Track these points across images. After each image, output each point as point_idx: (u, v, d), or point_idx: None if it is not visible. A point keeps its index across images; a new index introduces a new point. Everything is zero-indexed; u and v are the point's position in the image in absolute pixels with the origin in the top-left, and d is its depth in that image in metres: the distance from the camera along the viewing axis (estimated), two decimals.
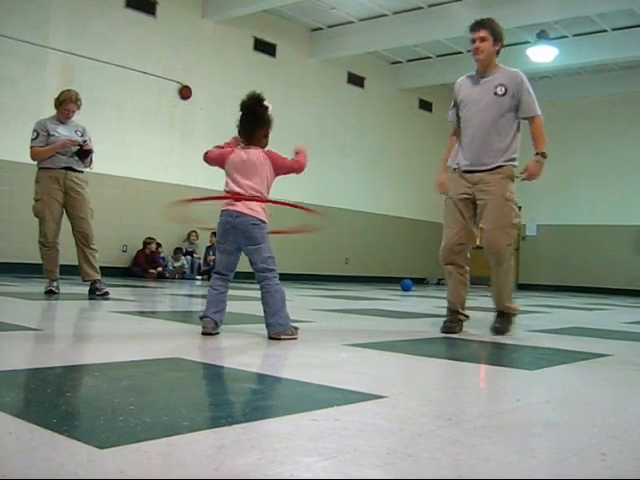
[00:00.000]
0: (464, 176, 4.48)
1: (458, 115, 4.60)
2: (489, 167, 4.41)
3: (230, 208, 3.62)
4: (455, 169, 4.56)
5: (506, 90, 4.37)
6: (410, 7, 13.39)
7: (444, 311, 4.69)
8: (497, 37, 4.41)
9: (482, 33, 4.38)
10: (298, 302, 7.05)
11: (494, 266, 4.49)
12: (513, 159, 4.48)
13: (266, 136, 3.74)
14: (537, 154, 4.38)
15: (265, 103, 3.68)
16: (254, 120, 3.69)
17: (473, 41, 4.41)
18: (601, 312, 8.20)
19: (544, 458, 1.61)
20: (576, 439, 1.75)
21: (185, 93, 12.59)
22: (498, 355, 3.67)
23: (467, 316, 4.57)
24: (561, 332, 4.89)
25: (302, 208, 3.92)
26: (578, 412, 2.14)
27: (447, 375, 2.88)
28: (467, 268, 4.62)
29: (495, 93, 4.37)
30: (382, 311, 6.35)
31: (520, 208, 4.62)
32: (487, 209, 4.43)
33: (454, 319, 4.51)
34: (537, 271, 17.24)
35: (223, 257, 3.73)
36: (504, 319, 4.49)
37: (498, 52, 4.45)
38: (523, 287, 17.07)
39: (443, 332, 4.39)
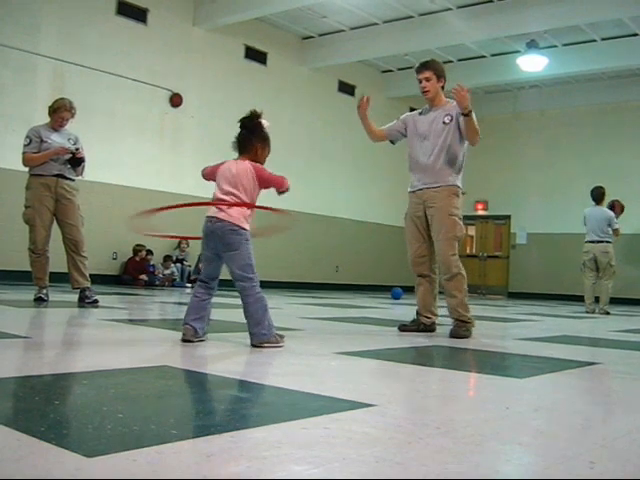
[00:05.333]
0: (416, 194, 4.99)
1: (400, 132, 5.17)
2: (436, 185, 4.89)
3: (210, 215, 3.64)
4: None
5: (452, 118, 4.87)
6: (401, 16, 13.45)
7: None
8: (440, 75, 4.95)
9: (426, 74, 4.93)
10: (288, 310, 7.05)
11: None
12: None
13: (258, 152, 3.74)
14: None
15: (261, 120, 3.73)
16: (244, 130, 3.74)
17: (420, 81, 4.96)
18: (591, 320, 8.22)
19: (533, 466, 1.61)
20: (565, 447, 1.75)
21: (176, 101, 12.59)
22: (487, 363, 3.67)
23: (429, 318, 4.96)
24: (551, 340, 4.90)
25: (270, 209, 3.92)
26: (567, 420, 2.14)
27: (436, 383, 2.88)
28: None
29: (443, 122, 4.87)
30: (372, 319, 6.35)
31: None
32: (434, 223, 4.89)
33: (414, 321, 5.00)
34: (527, 279, 17.28)
35: (205, 263, 3.77)
36: (459, 323, 4.75)
37: (443, 87, 5.00)
38: (513, 295, 17.11)
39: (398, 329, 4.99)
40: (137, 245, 11.75)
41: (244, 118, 3.76)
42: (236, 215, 3.60)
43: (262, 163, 3.78)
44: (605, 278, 10.04)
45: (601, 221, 10.00)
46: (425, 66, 4.94)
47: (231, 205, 3.60)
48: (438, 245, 4.82)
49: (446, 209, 4.80)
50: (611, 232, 10.03)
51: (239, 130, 3.76)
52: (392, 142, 5.28)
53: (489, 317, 7.45)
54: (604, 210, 10.08)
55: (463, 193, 4.98)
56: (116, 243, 11.69)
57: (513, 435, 1.88)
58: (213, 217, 3.62)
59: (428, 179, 4.87)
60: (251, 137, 3.73)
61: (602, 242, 9.96)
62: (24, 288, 7.85)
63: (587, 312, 9.87)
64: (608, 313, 9.76)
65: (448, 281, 4.80)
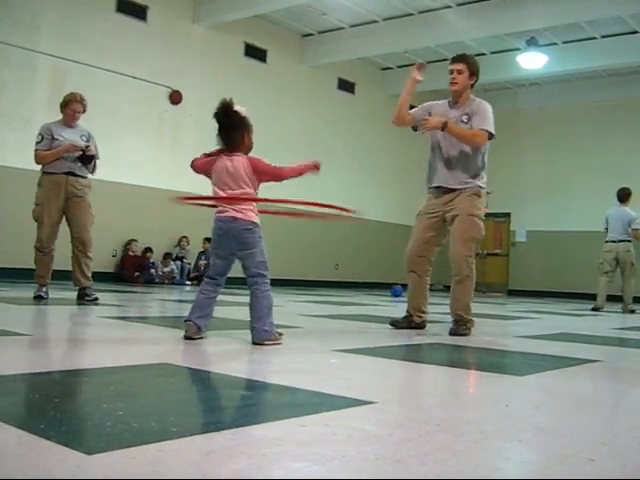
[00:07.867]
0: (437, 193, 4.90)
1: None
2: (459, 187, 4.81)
3: (222, 214, 3.61)
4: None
5: (469, 118, 4.78)
6: (400, 13, 13.44)
7: (433, 317, 4.77)
8: (473, 72, 4.81)
9: (459, 66, 4.80)
10: (288, 307, 7.05)
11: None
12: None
13: (245, 141, 3.69)
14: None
15: (236, 108, 3.65)
16: (227, 127, 3.66)
17: (451, 72, 4.82)
18: (591, 318, 8.22)
19: (533, 464, 1.61)
20: (565, 445, 1.75)
21: (175, 98, 12.58)
22: (487, 361, 3.67)
23: (420, 317, 4.95)
24: (551, 338, 4.90)
25: (333, 207, 3.95)
26: (567, 418, 2.14)
27: (436, 381, 2.88)
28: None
29: (462, 121, 4.76)
30: (372, 317, 6.35)
31: None
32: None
33: (405, 318, 4.96)
34: (527, 277, 17.28)
35: (216, 262, 3.71)
36: (459, 323, 4.72)
37: (472, 86, 4.85)
38: (513, 293, 17.11)
39: (389, 324, 5.02)
40: (130, 240, 11.77)
41: (219, 112, 3.63)
42: (249, 212, 3.60)
43: (251, 147, 3.75)
44: (628, 277, 10.17)
45: (624, 221, 10.15)
46: (460, 58, 4.85)
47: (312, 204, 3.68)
48: (454, 245, 4.72)
49: (467, 209, 4.71)
50: (631, 232, 10.11)
51: (219, 125, 3.65)
52: (415, 129, 5.11)
53: (489, 314, 7.45)
54: (627, 211, 10.18)
55: (488, 193, 4.95)
56: (116, 241, 11.69)
57: (513, 432, 1.87)
58: (225, 217, 3.59)
59: (451, 180, 4.80)
60: (235, 132, 3.65)
61: (624, 241, 10.12)
62: (24, 286, 7.85)
63: (595, 308, 9.97)
64: (633, 311, 9.90)
65: (457, 283, 4.72)
